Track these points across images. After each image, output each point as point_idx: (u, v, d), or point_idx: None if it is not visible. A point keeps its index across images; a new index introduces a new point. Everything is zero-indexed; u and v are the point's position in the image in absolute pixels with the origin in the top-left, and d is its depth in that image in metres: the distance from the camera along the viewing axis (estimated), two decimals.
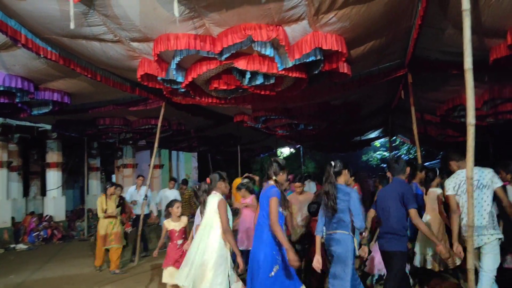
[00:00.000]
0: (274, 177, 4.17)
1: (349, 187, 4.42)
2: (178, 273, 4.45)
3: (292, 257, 3.74)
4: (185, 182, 11.59)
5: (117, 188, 8.16)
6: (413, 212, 4.10)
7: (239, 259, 4.19)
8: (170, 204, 5.60)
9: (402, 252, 4.21)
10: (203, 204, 4.66)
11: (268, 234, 3.95)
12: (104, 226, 7.67)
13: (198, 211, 5.21)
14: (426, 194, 5.87)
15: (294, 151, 27.98)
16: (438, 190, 5.59)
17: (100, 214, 7.68)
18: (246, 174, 8.39)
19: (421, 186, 6.18)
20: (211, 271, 4.13)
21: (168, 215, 5.56)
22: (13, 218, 12.74)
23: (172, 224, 5.46)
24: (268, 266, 3.86)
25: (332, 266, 4.19)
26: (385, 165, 24.69)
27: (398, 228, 4.16)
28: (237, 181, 6.81)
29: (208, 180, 4.70)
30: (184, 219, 5.59)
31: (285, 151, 29.40)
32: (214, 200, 4.44)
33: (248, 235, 6.44)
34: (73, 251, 10.64)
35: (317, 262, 4.22)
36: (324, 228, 4.40)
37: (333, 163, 4.42)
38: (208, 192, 4.70)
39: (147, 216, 9.45)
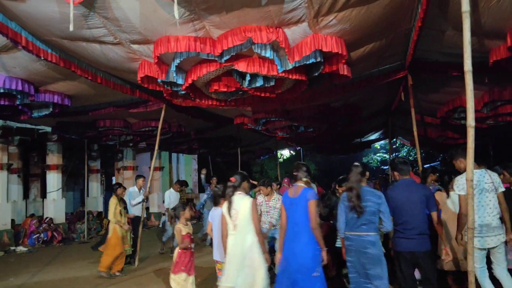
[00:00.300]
0: (304, 179, 4.44)
1: (377, 190, 4.47)
2: (224, 276, 4.39)
3: (326, 257, 4.22)
4: (185, 183, 11.51)
5: (122, 189, 8.15)
6: (435, 215, 4.28)
7: (267, 256, 4.48)
8: (182, 207, 5.41)
9: (431, 251, 4.39)
10: (230, 204, 4.55)
11: (310, 235, 4.20)
12: (119, 228, 7.59)
13: (212, 212, 5.36)
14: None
15: (294, 153, 27.97)
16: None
17: (113, 218, 7.54)
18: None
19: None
20: (260, 270, 4.28)
21: (173, 218, 5.44)
22: (13, 221, 12.72)
23: (185, 229, 5.25)
24: (316, 265, 4.15)
25: (371, 268, 4.18)
26: (386, 167, 24.70)
27: (426, 228, 4.28)
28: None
29: (233, 179, 4.69)
30: (189, 223, 5.47)
31: (285, 153, 29.39)
32: (245, 201, 4.47)
33: None
34: (73, 253, 10.63)
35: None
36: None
37: (358, 164, 4.51)
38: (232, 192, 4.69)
39: (145, 218, 9.38)
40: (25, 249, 11.51)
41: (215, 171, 18.03)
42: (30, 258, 10.29)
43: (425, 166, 9.86)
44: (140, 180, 9.25)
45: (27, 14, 4.58)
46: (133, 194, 8.96)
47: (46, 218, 13.18)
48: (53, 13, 4.46)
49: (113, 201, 7.66)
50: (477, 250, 4.15)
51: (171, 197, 9.91)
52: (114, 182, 17.96)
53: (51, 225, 12.84)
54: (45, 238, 12.27)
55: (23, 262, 9.71)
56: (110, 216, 7.62)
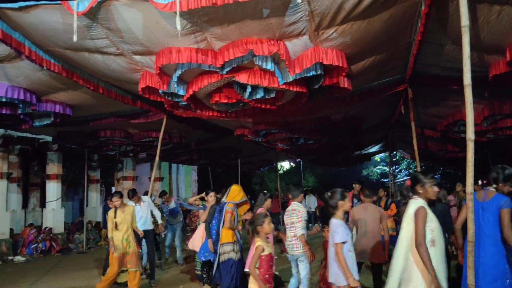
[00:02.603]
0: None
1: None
2: None
3: None
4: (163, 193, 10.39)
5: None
6: None
7: None
8: (258, 220, 4.30)
9: None
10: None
11: (501, 246, 3.72)
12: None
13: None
14: None
15: (294, 165, 27.94)
16: None
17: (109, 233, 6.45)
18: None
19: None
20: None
21: (251, 233, 4.33)
22: (11, 230, 12.67)
23: (268, 248, 4.20)
24: (508, 277, 3.73)
25: None
26: (386, 180, 24.65)
27: None
28: (235, 188, 6.39)
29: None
30: (270, 240, 4.57)
31: (285, 165, 29.37)
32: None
33: None
34: (71, 263, 10.56)
35: None
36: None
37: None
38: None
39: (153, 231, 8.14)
40: (23, 258, 11.44)
41: (215, 182, 17.99)
42: (28, 268, 10.22)
43: None
44: (136, 199, 7.75)
45: (31, 24, 4.63)
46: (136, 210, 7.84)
47: (45, 227, 13.13)
48: (57, 24, 4.51)
49: (109, 214, 6.52)
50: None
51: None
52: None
53: (50, 235, 12.78)
54: (44, 248, 12.21)
55: (21, 272, 9.65)
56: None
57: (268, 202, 6.14)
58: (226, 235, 5.96)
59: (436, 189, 3.49)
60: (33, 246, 12.10)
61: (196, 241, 6.79)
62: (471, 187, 3.51)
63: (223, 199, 6.25)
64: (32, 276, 8.87)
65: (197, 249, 6.60)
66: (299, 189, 5.88)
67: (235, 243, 6.00)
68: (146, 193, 8.30)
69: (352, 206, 8.89)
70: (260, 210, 6.00)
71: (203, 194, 7.20)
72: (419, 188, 3.48)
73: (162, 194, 10.20)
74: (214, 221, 6.24)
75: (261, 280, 4.07)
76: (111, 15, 4.33)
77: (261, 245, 4.13)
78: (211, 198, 6.62)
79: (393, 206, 8.18)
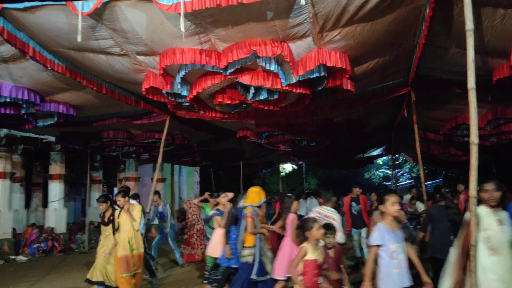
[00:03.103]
0: None
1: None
2: None
3: None
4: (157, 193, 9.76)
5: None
6: None
7: None
8: (307, 224, 4.08)
9: None
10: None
11: None
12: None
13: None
14: None
15: (296, 168, 27.94)
16: None
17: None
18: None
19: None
20: None
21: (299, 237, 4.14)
22: (14, 229, 12.72)
23: (314, 253, 3.98)
24: None
25: None
26: (388, 183, 24.59)
27: None
28: (253, 190, 5.94)
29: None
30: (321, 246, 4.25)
31: (287, 167, 29.38)
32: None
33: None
34: (73, 263, 10.57)
35: None
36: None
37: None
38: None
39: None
40: (25, 258, 11.47)
41: (217, 184, 18.00)
42: (30, 267, 10.24)
43: (427, 183, 9.80)
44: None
45: (36, 25, 4.65)
46: None
47: (47, 227, 13.16)
48: (62, 24, 4.52)
49: (115, 214, 6.28)
50: None
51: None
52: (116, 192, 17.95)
53: (52, 235, 12.81)
54: (45, 248, 12.23)
55: (22, 271, 9.67)
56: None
57: (295, 205, 6.03)
58: (248, 239, 5.68)
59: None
60: (35, 246, 12.13)
61: (215, 247, 6.40)
62: (475, 191, 3.50)
63: (241, 203, 5.91)
64: (33, 276, 8.89)
65: (218, 255, 6.21)
66: (330, 192, 5.74)
67: (254, 249, 5.65)
68: (135, 196, 7.94)
69: (350, 210, 8.83)
70: (292, 215, 5.90)
71: (206, 195, 7.15)
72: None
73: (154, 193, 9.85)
74: (232, 226, 5.99)
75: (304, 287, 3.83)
76: (115, 15, 4.35)
77: (305, 247, 3.94)
78: (224, 199, 6.51)
79: None
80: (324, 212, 5.45)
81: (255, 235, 5.65)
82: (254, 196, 5.84)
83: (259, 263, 5.56)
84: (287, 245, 5.70)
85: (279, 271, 5.52)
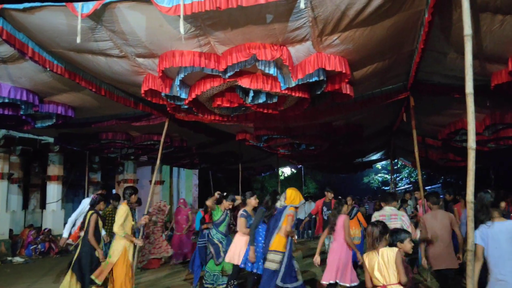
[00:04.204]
0: None
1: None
2: None
3: None
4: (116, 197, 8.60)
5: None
6: None
7: None
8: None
9: None
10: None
11: None
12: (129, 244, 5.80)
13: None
14: None
15: (295, 171, 27.93)
16: None
17: (121, 230, 5.63)
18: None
19: None
20: None
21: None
22: (11, 231, 12.68)
23: None
24: None
25: None
26: (387, 188, 24.60)
27: None
28: (291, 192, 5.73)
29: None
30: None
31: (286, 170, 29.37)
32: None
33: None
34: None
35: None
36: None
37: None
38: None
39: None
40: (22, 259, 11.44)
41: (216, 186, 17.97)
42: (27, 269, 10.21)
43: (426, 188, 9.80)
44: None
45: (35, 25, 4.65)
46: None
47: (45, 229, 13.13)
48: (61, 26, 4.53)
49: (123, 208, 5.77)
50: None
51: None
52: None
53: (49, 236, 12.78)
54: (43, 249, 12.21)
55: (19, 273, 9.64)
56: (116, 227, 5.71)
57: (345, 208, 6.02)
58: (279, 242, 5.35)
59: None
60: (32, 247, 12.10)
61: (238, 254, 6.04)
62: (472, 196, 3.50)
63: (281, 203, 5.68)
64: (30, 277, 8.86)
65: (238, 261, 5.98)
66: (392, 195, 5.89)
67: (284, 254, 5.40)
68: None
69: (322, 214, 8.72)
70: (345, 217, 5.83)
71: (216, 196, 6.96)
72: None
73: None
74: (260, 226, 5.77)
75: None
76: (115, 17, 4.35)
77: (400, 250, 3.78)
78: (254, 201, 6.35)
79: (359, 214, 7.77)
80: (389, 212, 5.61)
81: (287, 238, 5.41)
82: (295, 197, 5.64)
83: (290, 268, 5.30)
84: (341, 247, 5.64)
85: (329, 275, 5.50)
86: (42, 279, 8.72)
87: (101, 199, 6.46)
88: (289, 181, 27.54)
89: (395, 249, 3.72)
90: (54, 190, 14.00)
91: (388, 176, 26.32)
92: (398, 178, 23.65)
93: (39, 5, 4.27)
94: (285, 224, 5.37)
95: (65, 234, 7.36)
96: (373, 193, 24.82)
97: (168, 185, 18.94)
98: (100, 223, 6.22)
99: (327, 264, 5.72)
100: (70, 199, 17.75)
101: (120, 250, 5.66)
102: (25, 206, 14.51)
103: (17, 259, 11.43)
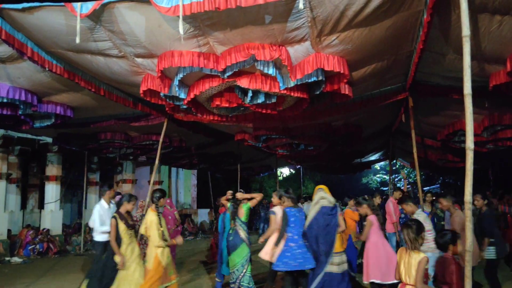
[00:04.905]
0: None
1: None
2: None
3: None
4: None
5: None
6: None
7: None
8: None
9: None
10: None
11: None
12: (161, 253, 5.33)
13: None
14: None
15: (294, 172, 27.92)
16: None
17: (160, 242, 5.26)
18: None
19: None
20: None
21: None
22: (9, 231, 12.65)
23: None
24: None
25: None
26: (385, 188, 24.61)
27: None
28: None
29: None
30: None
31: (285, 171, 29.36)
32: None
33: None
34: (68, 266, 10.52)
35: None
36: None
37: None
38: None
39: None
40: (20, 260, 11.42)
41: (214, 187, 17.98)
42: (25, 269, 10.18)
43: (424, 188, 9.82)
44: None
45: (34, 25, 4.65)
46: (102, 212, 6.71)
47: (43, 229, 13.11)
48: (60, 26, 4.53)
49: (153, 218, 5.32)
50: None
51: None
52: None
53: (48, 236, 12.76)
54: (41, 250, 12.18)
55: (17, 273, 9.61)
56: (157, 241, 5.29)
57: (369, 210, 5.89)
58: (339, 242, 5.38)
59: None
60: (30, 247, 12.07)
61: (271, 250, 5.92)
62: (470, 196, 3.51)
63: (329, 200, 5.58)
64: (28, 278, 8.84)
65: (273, 259, 5.78)
66: (411, 199, 5.81)
67: (342, 254, 5.40)
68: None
69: None
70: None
71: (229, 195, 6.74)
72: None
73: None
74: (292, 225, 5.64)
75: None
76: (114, 17, 4.35)
77: (425, 257, 3.69)
78: (276, 199, 6.31)
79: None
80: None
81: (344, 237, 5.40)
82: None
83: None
84: (380, 245, 5.51)
85: (374, 273, 5.34)
86: (41, 279, 8.71)
87: (161, 195, 5.60)
88: (288, 182, 27.53)
89: (422, 255, 3.72)
90: (52, 190, 13.97)
91: (386, 177, 26.32)
92: (396, 179, 23.64)
93: (38, 5, 4.27)
94: (342, 222, 5.52)
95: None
96: (371, 193, 24.80)
97: (166, 185, 18.93)
98: (163, 222, 5.51)
99: (369, 261, 5.46)
100: (69, 199, 17.73)
101: (153, 256, 5.32)
102: (23, 206, 14.48)
103: (16, 259, 11.41)
